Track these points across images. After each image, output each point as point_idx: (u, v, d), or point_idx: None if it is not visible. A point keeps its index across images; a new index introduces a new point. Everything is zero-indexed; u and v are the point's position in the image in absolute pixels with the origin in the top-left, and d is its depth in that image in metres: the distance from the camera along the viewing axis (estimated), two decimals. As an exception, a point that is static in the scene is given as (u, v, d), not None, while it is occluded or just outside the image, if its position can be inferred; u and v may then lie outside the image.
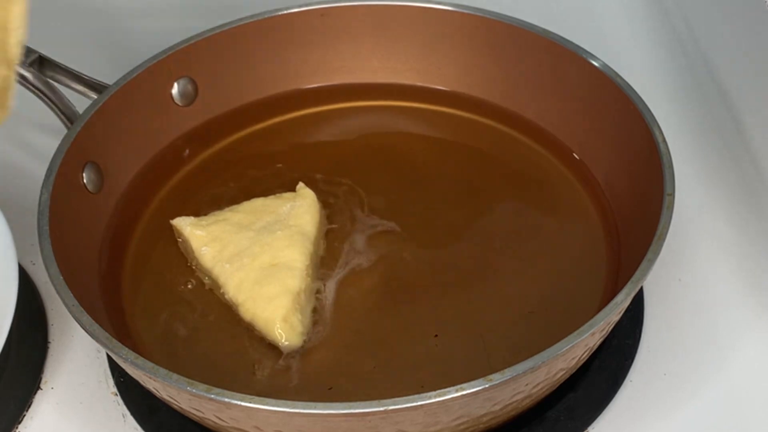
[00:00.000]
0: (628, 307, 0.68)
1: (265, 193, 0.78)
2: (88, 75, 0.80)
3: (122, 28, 1.06)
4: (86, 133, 0.75)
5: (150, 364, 0.60)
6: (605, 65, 0.77)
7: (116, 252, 0.76)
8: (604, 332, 0.64)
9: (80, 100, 0.79)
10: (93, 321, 0.62)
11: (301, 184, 0.78)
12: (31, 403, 0.72)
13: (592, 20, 1.03)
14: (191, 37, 0.83)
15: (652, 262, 0.62)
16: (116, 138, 0.79)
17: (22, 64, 0.78)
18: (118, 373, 0.72)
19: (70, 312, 0.63)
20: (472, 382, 0.56)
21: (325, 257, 0.75)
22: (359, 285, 0.73)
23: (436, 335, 0.69)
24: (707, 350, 0.72)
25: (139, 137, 0.82)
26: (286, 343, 0.69)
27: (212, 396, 0.57)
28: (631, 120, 0.74)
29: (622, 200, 0.76)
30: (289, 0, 0.87)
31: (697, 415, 0.68)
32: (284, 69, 0.88)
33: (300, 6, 0.86)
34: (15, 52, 0.54)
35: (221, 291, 0.72)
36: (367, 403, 0.56)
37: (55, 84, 0.79)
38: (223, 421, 0.60)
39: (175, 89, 0.84)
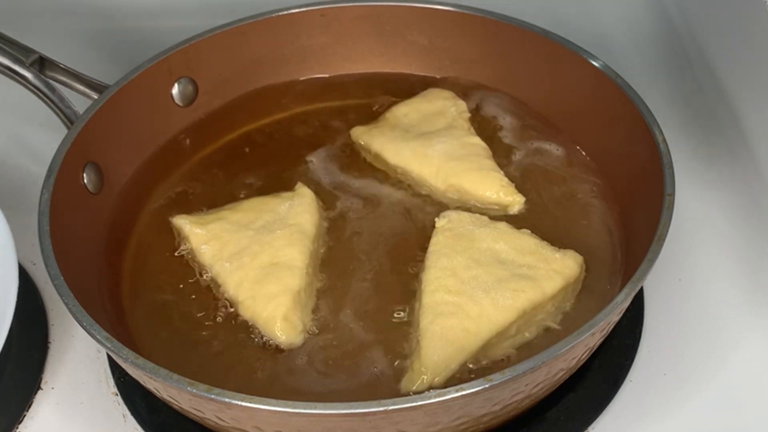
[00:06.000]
0: (628, 307, 0.68)
1: (264, 191, 0.78)
2: (88, 75, 0.80)
3: (122, 28, 1.06)
4: (86, 133, 0.76)
5: (151, 365, 0.60)
6: (605, 65, 0.77)
7: (116, 252, 0.76)
8: (604, 332, 0.64)
9: (80, 100, 0.79)
10: (93, 321, 0.62)
11: (299, 183, 0.78)
12: (32, 403, 0.72)
13: (592, 21, 1.03)
14: (191, 37, 0.83)
15: (652, 262, 0.62)
16: (116, 138, 0.79)
17: (22, 65, 0.78)
18: (118, 373, 0.72)
19: (70, 312, 0.63)
20: (472, 382, 0.56)
21: (326, 256, 0.75)
22: (360, 283, 0.73)
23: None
24: (707, 350, 0.72)
25: (140, 137, 0.82)
26: (287, 341, 0.69)
27: (213, 396, 0.57)
28: (631, 120, 0.74)
29: (622, 200, 0.76)
30: (290, 0, 0.87)
31: (697, 415, 0.68)
32: (284, 67, 0.88)
33: (300, 6, 0.86)
34: None
35: (221, 289, 0.72)
36: (367, 403, 0.56)
37: (55, 84, 0.79)
38: (224, 421, 0.60)
39: (175, 89, 0.84)
